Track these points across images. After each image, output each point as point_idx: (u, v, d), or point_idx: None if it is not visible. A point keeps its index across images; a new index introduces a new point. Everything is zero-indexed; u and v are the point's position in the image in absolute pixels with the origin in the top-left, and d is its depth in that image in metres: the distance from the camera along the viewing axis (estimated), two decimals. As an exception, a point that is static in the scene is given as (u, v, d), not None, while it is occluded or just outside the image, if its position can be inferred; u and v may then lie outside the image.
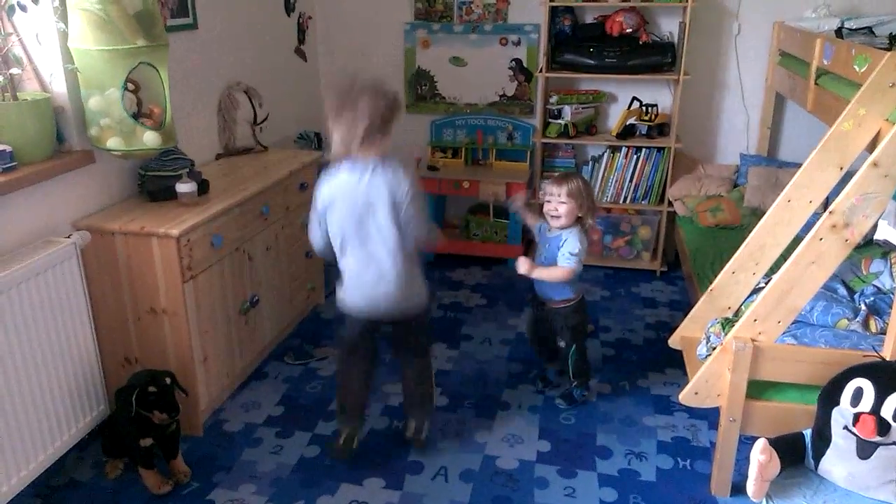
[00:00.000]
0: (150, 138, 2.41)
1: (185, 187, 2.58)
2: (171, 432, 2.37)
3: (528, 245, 2.86)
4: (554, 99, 3.96)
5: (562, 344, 2.77)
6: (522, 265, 2.61)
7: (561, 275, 2.61)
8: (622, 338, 3.38)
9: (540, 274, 2.64)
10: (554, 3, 3.74)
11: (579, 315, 2.75)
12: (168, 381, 2.31)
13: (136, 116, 2.43)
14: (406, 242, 2.24)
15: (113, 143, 2.37)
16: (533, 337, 2.99)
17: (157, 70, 2.42)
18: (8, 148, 2.14)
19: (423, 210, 2.26)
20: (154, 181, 2.62)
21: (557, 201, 2.60)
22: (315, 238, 2.33)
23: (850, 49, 2.44)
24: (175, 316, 2.46)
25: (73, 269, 2.29)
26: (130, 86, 2.41)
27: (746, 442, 2.21)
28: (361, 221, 2.21)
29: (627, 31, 3.78)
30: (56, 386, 2.26)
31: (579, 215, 2.62)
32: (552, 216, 2.63)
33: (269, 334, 3.12)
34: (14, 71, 2.24)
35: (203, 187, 2.68)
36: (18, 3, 2.20)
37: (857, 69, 2.33)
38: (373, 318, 2.37)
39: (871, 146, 2.18)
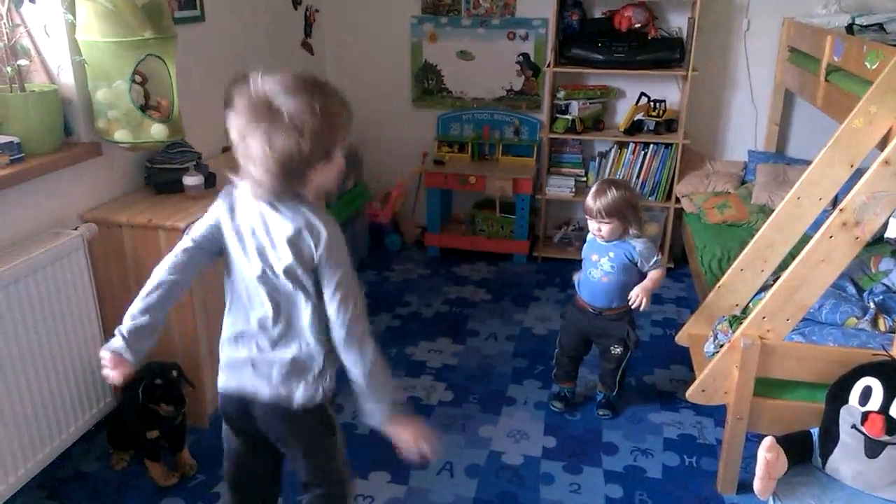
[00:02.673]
0: (157, 131, 2.40)
1: (192, 180, 2.58)
2: (178, 425, 2.37)
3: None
4: (561, 94, 3.94)
5: (618, 351, 2.64)
6: (641, 298, 2.45)
7: (660, 277, 2.53)
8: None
9: (651, 286, 2.49)
10: (562, -2, 3.73)
11: (632, 321, 2.66)
12: (175, 373, 2.31)
13: (144, 109, 2.42)
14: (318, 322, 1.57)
15: (120, 135, 2.37)
16: (571, 353, 2.75)
17: (165, 62, 2.42)
18: (16, 139, 2.14)
19: (346, 293, 1.51)
20: (161, 174, 2.62)
21: (599, 221, 2.46)
22: None
23: (861, 45, 2.42)
24: (182, 308, 2.45)
25: (80, 261, 2.29)
26: (138, 78, 2.41)
27: (753, 440, 2.20)
28: (267, 285, 1.56)
29: (636, 26, 3.76)
30: (63, 378, 2.27)
31: (629, 230, 2.48)
32: (596, 235, 2.51)
33: (274, 328, 3.11)
34: (22, 62, 2.24)
35: (210, 180, 2.67)
36: (27, -5, 2.20)
37: (869, 66, 2.31)
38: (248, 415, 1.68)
39: (883, 144, 2.17)
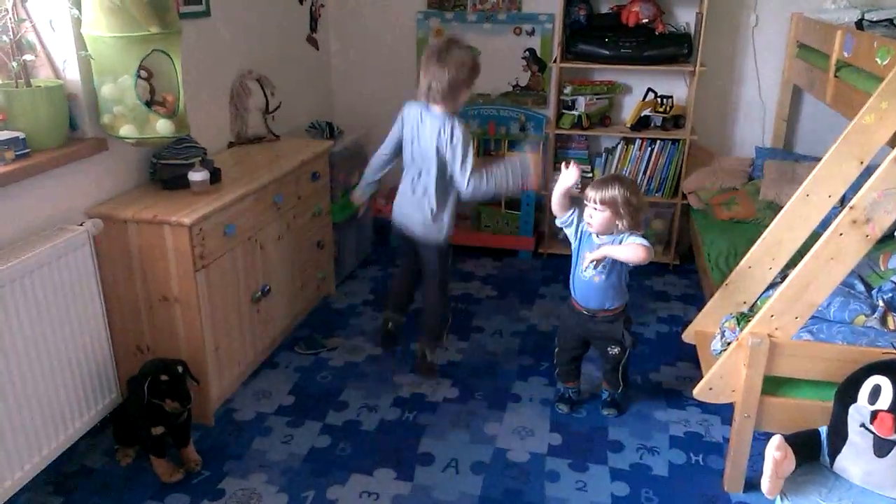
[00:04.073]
0: (162, 126, 2.39)
1: (197, 176, 2.57)
2: (183, 421, 2.37)
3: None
4: (568, 89, 3.92)
5: (615, 351, 2.62)
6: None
7: (639, 253, 2.33)
8: (634, 331, 3.33)
9: (615, 252, 2.39)
10: (569, -7, 3.71)
11: (629, 319, 2.64)
12: (180, 369, 2.31)
13: (149, 104, 2.41)
14: (445, 185, 2.67)
15: (126, 130, 2.36)
16: (571, 353, 2.73)
17: (171, 57, 2.41)
18: (21, 135, 2.13)
19: (466, 161, 2.58)
20: (166, 169, 2.61)
21: (591, 207, 2.41)
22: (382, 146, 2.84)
23: (872, 41, 2.40)
24: (187, 305, 2.46)
25: (85, 256, 2.29)
26: (143, 73, 2.40)
27: (760, 438, 2.19)
28: (422, 157, 2.66)
29: (643, 21, 3.74)
30: (68, 374, 2.27)
31: (618, 225, 2.41)
32: (586, 222, 2.47)
33: (280, 324, 3.12)
34: (27, 57, 2.23)
35: (215, 176, 2.67)
36: (32, -11, 2.20)
37: (879, 62, 2.29)
38: (406, 235, 2.82)
39: (893, 140, 2.15)
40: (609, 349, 2.64)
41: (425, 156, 2.63)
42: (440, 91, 2.52)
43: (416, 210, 2.71)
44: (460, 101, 2.61)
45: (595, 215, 2.42)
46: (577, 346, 2.72)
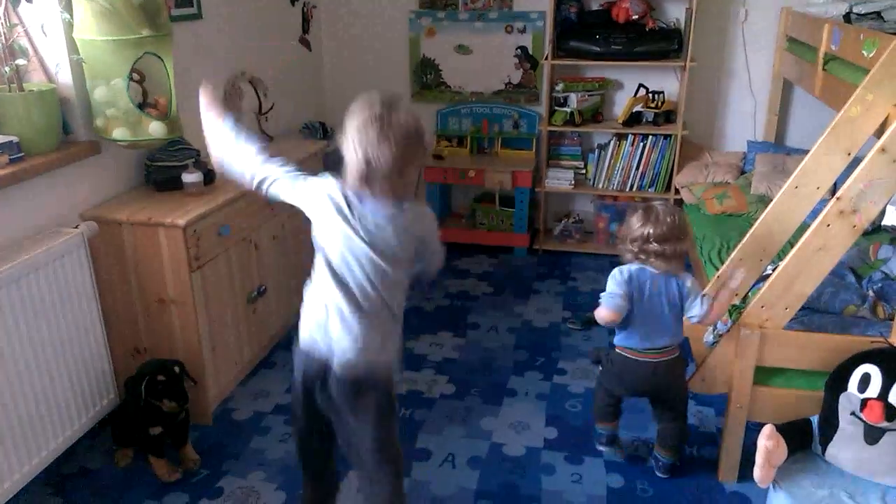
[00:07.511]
0: (155, 128, 2.41)
1: (191, 177, 2.59)
2: (181, 421, 2.39)
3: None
4: (560, 86, 3.94)
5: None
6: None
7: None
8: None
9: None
10: (559, -10, 3.73)
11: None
12: (177, 370, 2.33)
13: (142, 107, 2.43)
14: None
15: (119, 133, 2.38)
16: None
17: (163, 60, 2.42)
18: (15, 139, 2.15)
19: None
20: (160, 171, 2.63)
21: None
22: None
23: (858, 34, 2.42)
24: (183, 305, 2.47)
25: (80, 259, 2.30)
26: (136, 76, 2.41)
27: (753, 428, 2.20)
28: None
29: (633, 17, 3.76)
30: (66, 376, 2.28)
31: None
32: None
33: (276, 323, 3.13)
34: (20, 62, 2.24)
35: (209, 177, 2.68)
36: (24, -6, 2.21)
37: (866, 54, 2.31)
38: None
39: (879, 132, 2.17)
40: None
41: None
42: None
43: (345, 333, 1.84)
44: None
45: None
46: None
